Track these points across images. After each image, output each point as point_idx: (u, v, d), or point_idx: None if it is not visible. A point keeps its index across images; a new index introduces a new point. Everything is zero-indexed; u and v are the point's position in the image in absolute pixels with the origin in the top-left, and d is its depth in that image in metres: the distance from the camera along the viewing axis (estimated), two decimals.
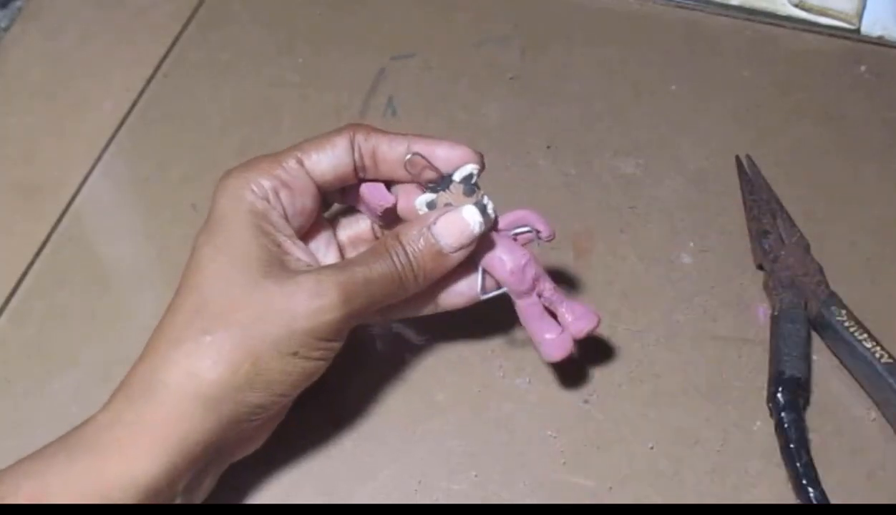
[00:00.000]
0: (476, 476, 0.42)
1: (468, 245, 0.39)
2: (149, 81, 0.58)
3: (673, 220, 0.50)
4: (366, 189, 0.41)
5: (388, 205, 0.41)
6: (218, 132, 0.56)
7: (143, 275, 0.50)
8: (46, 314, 0.49)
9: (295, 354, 0.36)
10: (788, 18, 0.58)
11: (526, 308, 0.40)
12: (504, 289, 0.40)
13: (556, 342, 0.40)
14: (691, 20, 0.59)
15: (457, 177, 0.40)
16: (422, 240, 0.38)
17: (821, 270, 0.46)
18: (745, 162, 0.52)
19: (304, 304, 0.36)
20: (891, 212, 0.50)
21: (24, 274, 0.50)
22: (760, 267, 0.48)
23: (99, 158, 0.55)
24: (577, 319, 0.40)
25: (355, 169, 0.41)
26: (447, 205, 0.39)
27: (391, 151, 0.40)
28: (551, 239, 0.41)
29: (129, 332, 0.48)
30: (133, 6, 0.62)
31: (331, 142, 0.40)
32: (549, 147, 0.54)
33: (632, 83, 0.56)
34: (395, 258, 0.38)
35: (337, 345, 0.38)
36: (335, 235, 0.43)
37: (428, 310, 0.42)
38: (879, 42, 0.57)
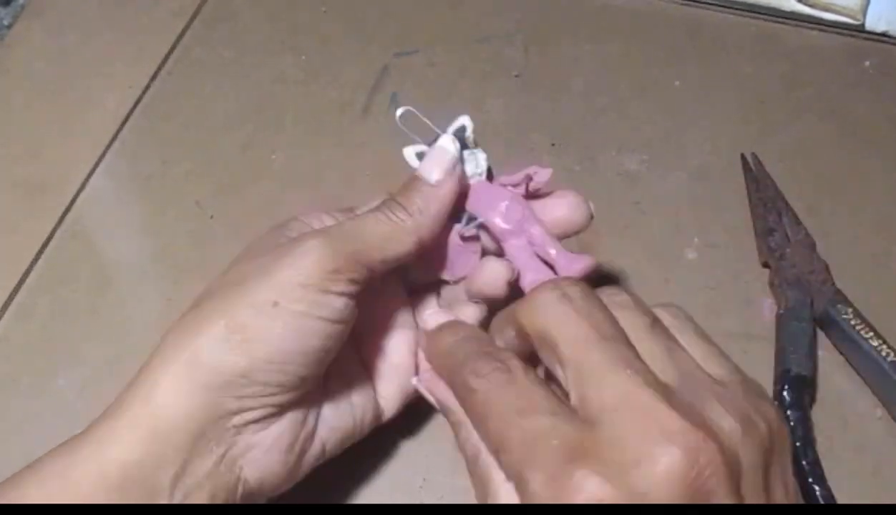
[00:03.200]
0: None
1: (450, 170, 0.38)
2: (152, 78, 0.58)
3: (677, 217, 0.50)
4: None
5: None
6: (221, 129, 0.56)
7: (146, 272, 0.50)
8: (50, 311, 0.49)
9: (275, 304, 0.33)
10: (792, 14, 0.58)
11: (515, 250, 0.38)
12: (480, 219, 0.39)
13: (533, 279, 0.38)
14: (695, 16, 0.59)
15: (449, 129, 0.39)
16: (408, 183, 0.38)
17: (826, 268, 0.46)
18: (750, 159, 0.51)
19: (285, 252, 0.34)
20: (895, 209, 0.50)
21: (28, 271, 0.50)
22: (766, 265, 0.48)
23: (102, 155, 0.55)
24: (571, 261, 0.38)
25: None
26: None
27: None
28: (544, 180, 0.39)
29: (132, 329, 0.48)
30: (136, 3, 0.62)
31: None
32: (553, 144, 0.53)
33: (636, 79, 0.56)
34: (384, 205, 0.37)
35: (329, 302, 0.34)
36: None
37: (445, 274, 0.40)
38: (884, 37, 0.57)
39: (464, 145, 0.39)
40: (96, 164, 0.54)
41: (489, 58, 0.58)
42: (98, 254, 0.51)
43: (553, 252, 0.38)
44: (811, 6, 0.57)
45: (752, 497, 0.27)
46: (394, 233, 0.36)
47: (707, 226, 0.50)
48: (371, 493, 0.42)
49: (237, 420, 0.34)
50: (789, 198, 0.49)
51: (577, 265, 0.37)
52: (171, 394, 0.33)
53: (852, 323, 0.43)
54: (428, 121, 0.39)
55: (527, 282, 0.38)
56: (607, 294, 0.32)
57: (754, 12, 0.58)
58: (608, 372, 0.28)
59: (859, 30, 0.57)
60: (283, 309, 0.33)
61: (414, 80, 0.57)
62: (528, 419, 0.28)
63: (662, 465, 0.25)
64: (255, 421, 0.34)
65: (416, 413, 0.44)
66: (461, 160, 0.39)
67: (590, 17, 0.59)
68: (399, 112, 0.39)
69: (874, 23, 0.57)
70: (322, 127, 0.56)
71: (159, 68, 0.59)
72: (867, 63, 0.56)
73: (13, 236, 0.52)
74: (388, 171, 0.53)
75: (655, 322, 0.31)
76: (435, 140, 0.39)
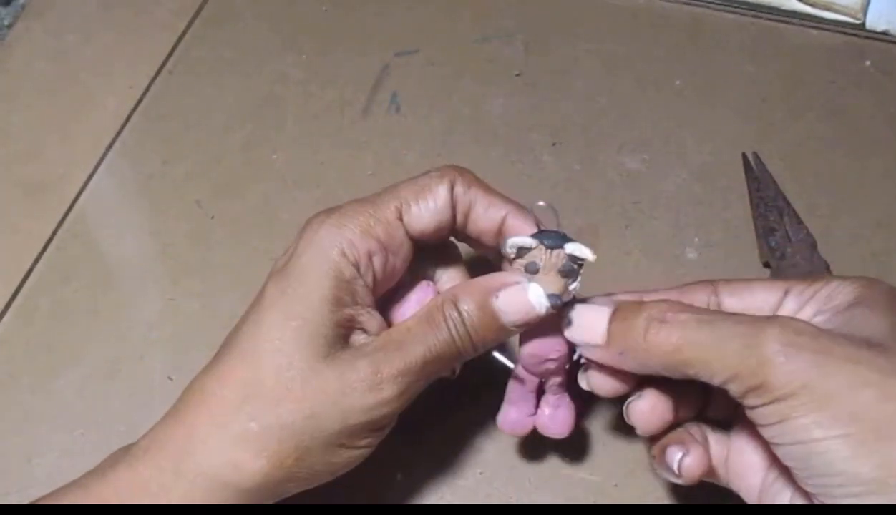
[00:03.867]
0: (481, 473, 0.42)
1: (531, 323, 0.35)
2: (153, 78, 0.58)
3: (678, 216, 0.50)
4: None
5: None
6: (222, 129, 0.56)
7: (147, 272, 0.50)
8: (51, 311, 0.49)
9: (342, 446, 0.34)
10: (793, 13, 0.58)
11: (519, 380, 0.38)
12: (512, 365, 0.38)
13: (516, 419, 0.39)
14: (696, 15, 0.59)
15: (569, 248, 0.35)
16: (482, 312, 0.35)
17: (827, 267, 0.46)
18: (751, 158, 0.51)
19: (361, 400, 0.34)
20: None
21: (29, 271, 0.50)
22: (766, 265, 0.48)
23: (103, 156, 0.55)
24: (551, 419, 0.38)
25: (454, 219, 0.37)
26: (534, 263, 0.35)
27: (485, 217, 0.37)
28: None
29: (133, 329, 0.48)
30: (137, 3, 0.62)
31: (432, 191, 0.37)
32: (554, 144, 0.53)
33: (636, 79, 0.56)
34: (453, 331, 0.35)
35: (386, 432, 0.36)
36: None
37: None
38: (884, 37, 0.56)
39: (571, 272, 0.35)
40: (97, 165, 0.54)
41: (490, 57, 0.58)
42: (99, 255, 0.51)
43: (549, 400, 0.38)
44: (812, 5, 0.57)
45: None
46: (456, 359, 0.36)
47: (708, 225, 0.50)
48: (370, 493, 0.42)
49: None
50: (790, 198, 0.49)
51: (551, 427, 0.39)
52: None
53: None
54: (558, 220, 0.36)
55: (508, 407, 0.39)
56: None
57: (755, 11, 0.58)
58: None
59: (860, 29, 0.57)
60: (347, 449, 0.35)
61: (414, 80, 0.57)
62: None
63: None
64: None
65: (415, 413, 0.44)
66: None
67: (590, 16, 0.59)
68: (541, 204, 0.37)
69: (875, 22, 0.57)
70: (322, 126, 0.56)
71: (160, 68, 0.59)
72: (868, 62, 0.56)
73: (14, 236, 0.52)
74: (388, 170, 0.53)
75: None
76: (551, 240, 0.35)
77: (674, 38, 0.58)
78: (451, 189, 0.37)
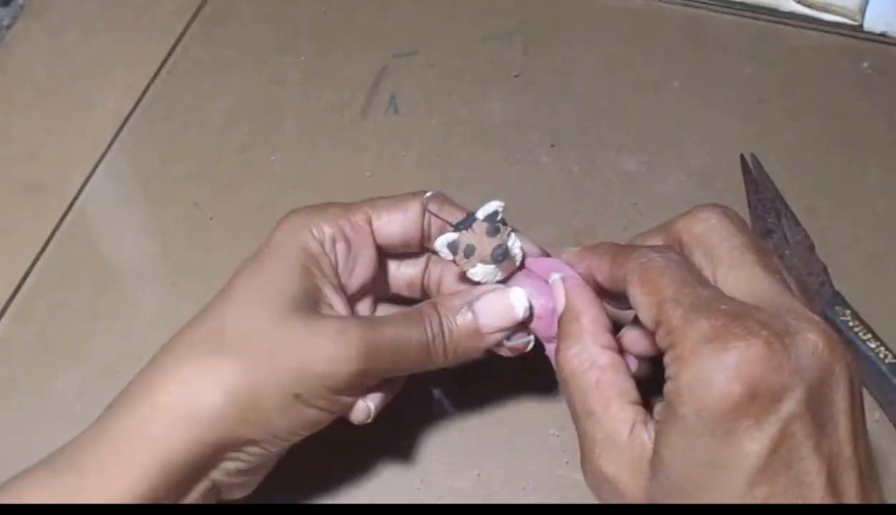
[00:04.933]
0: (478, 474, 0.42)
1: (509, 329, 0.37)
2: (152, 79, 0.58)
3: None
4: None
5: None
6: (220, 130, 0.56)
7: (146, 273, 0.50)
8: (50, 312, 0.49)
9: (297, 397, 0.34)
10: (791, 15, 0.58)
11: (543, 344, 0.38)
12: (531, 337, 0.38)
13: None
14: (694, 17, 0.59)
15: (480, 214, 0.37)
16: (460, 315, 0.36)
17: (825, 270, 0.46)
18: (749, 160, 0.51)
19: (323, 348, 0.34)
20: (894, 209, 0.50)
21: (28, 272, 0.50)
22: None
23: (102, 156, 0.55)
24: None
25: (422, 238, 0.39)
26: (469, 245, 0.36)
27: None
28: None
29: (132, 330, 0.48)
30: (136, 3, 0.62)
31: (404, 204, 0.39)
32: (553, 145, 0.54)
33: (635, 80, 0.56)
34: (428, 327, 0.36)
35: (344, 401, 0.36)
36: (378, 301, 0.42)
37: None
38: (882, 38, 0.57)
39: (496, 230, 0.36)
40: (96, 165, 0.54)
41: (488, 58, 0.58)
42: (98, 255, 0.51)
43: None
44: (810, 7, 0.57)
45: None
46: (426, 362, 0.37)
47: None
48: (369, 494, 0.42)
49: (230, 466, 0.36)
50: (788, 199, 0.49)
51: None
52: (177, 447, 0.33)
53: (850, 324, 0.43)
54: (461, 207, 0.38)
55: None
56: None
57: (753, 13, 0.58)
58: (762, 274, 0.31)
59: (858, 31, 0.57)
60: (302, 402, 0.35)
61: (413, 81, 0.57)
62: (695, 289, 0.30)
63: (812, 338, 0.28)
64: (245, 470, 0.36)
65: (413, 414, 0.44)
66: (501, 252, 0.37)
67: (589, 17, 0.59)
68: (428, 194, 0.38)
69: (872, 23, 0.57)
70: (321, 127, 0.56)
71: (159, 69, 0.59)
72: (865, 64, 0.56)
73: (13, 237, 0.52)
74: (387, 171, 0.53)
75: None
76: (466, 222, 0.37)
77: (672, 39, 0.58)
78: (424, 207, 0.38)
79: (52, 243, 0.52)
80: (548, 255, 0.40)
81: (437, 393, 0.45)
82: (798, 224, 0.48)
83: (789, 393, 0.27)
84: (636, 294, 0.32)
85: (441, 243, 0.37)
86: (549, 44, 0.58)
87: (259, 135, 0.55)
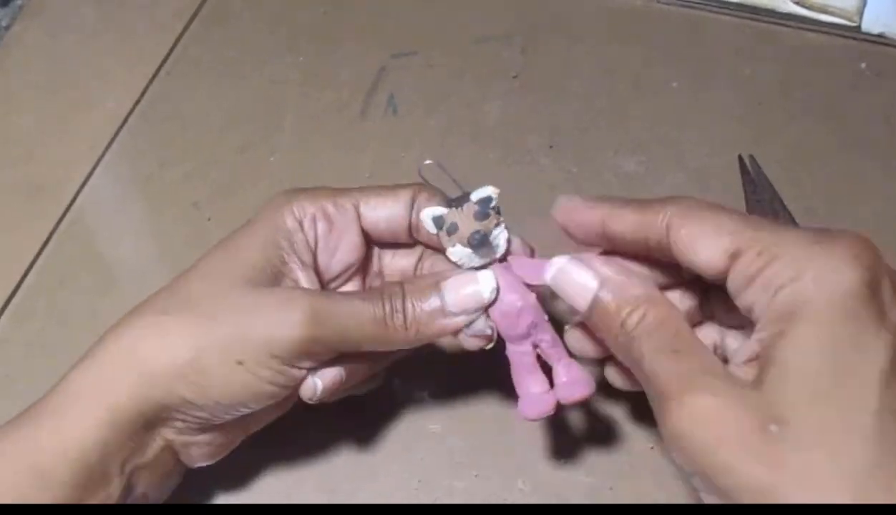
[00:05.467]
0: (476, 475, 0.42)
1: (473, 311, 0.35)
2: (151, 80, 0.58)
3: None
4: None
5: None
6: (220, 130, 0.56)
7: (144, 274, 0.50)
8: (48, 312, 0.49)
9: (240, 363, 0.34)
10: (789, 16, 0.58)
11: (514, 355, 0.37)
12: (493, 331, 0.36)
13: (535, 399, 0.36)
14: (692, 18, 0.59)
15: (474, 196, 0.36)
16: (426, 292, 0.36)
17: None
18: (747, 161, 0.51)
19: (266, 313, 0.34)
20: (892, 210, 0.50)
21: (27, 272, 0.51)
22: None
23: (101, 157, 0.55)
24: (569, 383, 0.36)
25: (410, 228, 0.39)
26: (453, 223, 0.36)
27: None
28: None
29: None
30: (135, 4, 0.62)
31: (394, 194, 0.38)
32: (551, 146, 0.54)
33: (633, 81, 0.56)
34: (387, 301, 0.35)
35: (291, 374, 0.35)
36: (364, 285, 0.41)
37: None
38: (880, 39, 0.57)
39: (484, 214, 0.36)
40: (95, 166, 0.55)
41: (487, 59, 0.58)
42: (96, 256, 0.51)
43: (559, 366, 0.37)
44: (808, 8, 0.57)
45: None
46: (383, 337, 0.35)
47: None
48: (368, 494, 0.42)
49: (180, 425, 0.36)
50: (786, 200, 0.49)
51: (573, 390, 0.36)
52: (125, 398, 0.34)
53: None
54: (457, 182, 0.38)
55: (523, 393, 0.37)
56: None
57: (751, 14, 0.58)
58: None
59: (856, 31, 0.57)
60: (246, 370, 0.34)
61: (412, 82, 0.57)
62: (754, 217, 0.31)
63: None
64: (195, 431, 0.37)
65: (412, 415, 0.44)
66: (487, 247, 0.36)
67: (587, 18, 0.59)
68: (425, 162, 0.38)
69: (870, 25, 0.57)
70: (320, 128, 0.56)
71: (158, 70, 0.59)
72: (863, 65, 0.56)
73: (12, 237, 0.52)
74: (385, 172, 0.53)
75: None
76: (458, 200, 0.36)
77: (671, 40, 0.58)
78: (413, 196, 0.38)
79: (51, 243, 0.52)
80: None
81: (396, 382, 0.45)
82: (796, 224, 0.48)
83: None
84: (694, 235, 0.31)
85: (427, 214, 0.37)
86: (547, 45, 0.58)
87: (258, 136, 0.55)
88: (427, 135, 0.55)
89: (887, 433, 0.26)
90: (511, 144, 0.54)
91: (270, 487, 0.42)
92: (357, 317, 0.35)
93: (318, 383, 0.36)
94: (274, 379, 0.35)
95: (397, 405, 0.44)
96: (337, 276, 0.40)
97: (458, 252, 0.36)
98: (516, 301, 0.36)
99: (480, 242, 0.35)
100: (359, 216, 0.39)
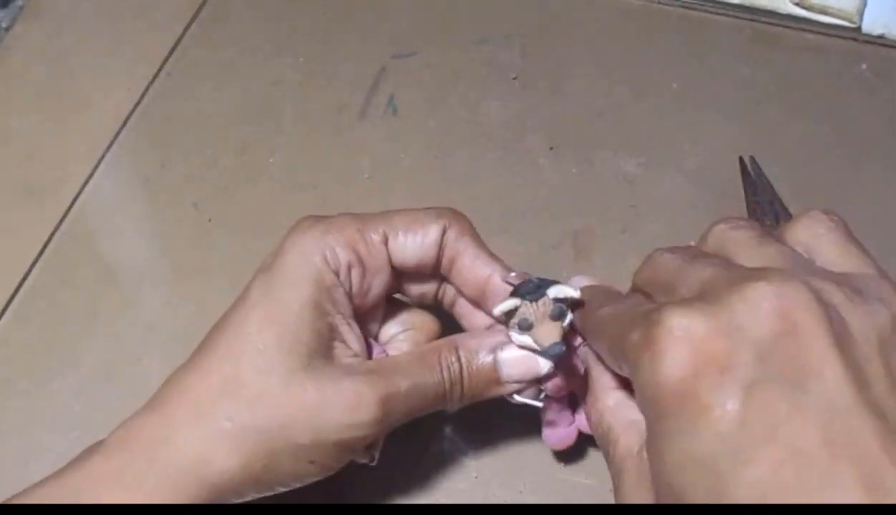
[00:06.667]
0: (476, 476, 0.42)
1: (530, 383, 0.36)
2: (151, 81, 0.58)
3: (674, 220, 0.50)
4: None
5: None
6: (220, 131, 0.56)
7: (145, 275, 0.50)
8: (49, 313, 0.49)
9: (312, 462, 0.34)
10: (789, 17, 0.58)
11: (550, 402, 0.38)
12: (540, 404, 0.38)
13: (562, 435, 0.40)
14: (692, 19, 0.59)
15: (552, 292, 0.35)
16: (481, 361, 0.36)
17: None
18: (748, 162, 0.52)
19: (338, 418, 0.33)
20: (893, 212, 0.50)
21: (27, 273, 0.51)
22: None
23: (101, 158, 0.55)
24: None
25: (438, 262, 0.38)
26: (525, 319, 0.35)
27: (470, 270, 0.37)
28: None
29: (131, 332, 0.48)
30: (135, 5, 0.62)
31: (423, 227, 0.37)
32: (551, 147, 0.54)
33: (633, 82, 0.56)
34: (445, 373, 0.35)
35: (358, 456, 0.36)
36: (391, 316, 0.40)
37: None
38: (880, 40, 0.57)
39: (562, 314, 0.35)
40: (95, 167, 0.55)
41: (487, 60, 0.58)
42: (97, 257, 0.51)
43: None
44: (808, 9, 0.57)
45: (871, 369, 0.25)
46: (439, 405, 0.36)
47: (704, 228, 0.50)
48: (367, 494, 0.42)
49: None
50: (786, 202, 0.49)
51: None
52: (183, 498, 0.33)
53: None
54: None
55: (549, 427, 0.40)
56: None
57: (751, 15, 0.58)
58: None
59: (856, 33, 0.57)
60: (317, 466, 0.35)
61: (411, 82, 0.57)
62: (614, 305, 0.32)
63: (750, 293, 0.26)
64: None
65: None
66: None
67: (587, 19, 0.59)
68: (512, 275, 0.37)
69: (870, 26, 0.57)
70: (320, 129, 0.56)
71: (158, 70, 0.59)
72: (864, 66, 0.56)
73: (12, 238, 0.52)
74: (385, 172, 0.53)
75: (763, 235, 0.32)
76: (531, 291, 0.35)
77: (670, 41, 0.58)
78: (444, 231, 0.37)
79: (51, 245, 0.52)
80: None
81: None
82: None
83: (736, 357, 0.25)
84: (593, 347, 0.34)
85: (500, 310, 0.35)
86: (547, 46, 0.58)
87: (258, 137, 0.55)
88: (427, 135, 0.55)
89: None
90: (511, 146, 0.54)
91: None
92: (420, 396, 0.35)
93: (374, 454, 0.37)
94: (341, 461, 0.35)
95: None
96: (367, 310, 0.38)
97: (524, 340, 0.35)
98: (569, 380, 0.37)
99: (558, 356, 0.34)
100: (387, 251, 0.37)
